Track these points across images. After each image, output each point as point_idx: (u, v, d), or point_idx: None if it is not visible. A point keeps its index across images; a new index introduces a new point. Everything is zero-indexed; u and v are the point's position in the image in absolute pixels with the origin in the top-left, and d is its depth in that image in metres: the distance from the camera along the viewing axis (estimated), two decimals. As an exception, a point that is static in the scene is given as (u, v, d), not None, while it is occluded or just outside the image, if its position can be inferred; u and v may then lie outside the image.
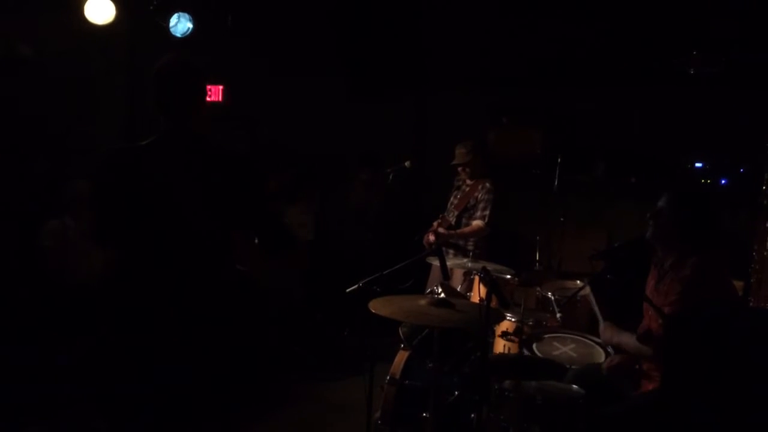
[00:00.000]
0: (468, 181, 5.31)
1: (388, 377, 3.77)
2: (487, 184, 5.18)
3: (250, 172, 2.70)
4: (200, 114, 2.67)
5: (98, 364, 3.72)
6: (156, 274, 2.55)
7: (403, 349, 3.87)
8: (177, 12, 5.37)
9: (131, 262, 2.58)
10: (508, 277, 4.63)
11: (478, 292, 4.21)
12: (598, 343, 3.85)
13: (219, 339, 2.63)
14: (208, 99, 2.79)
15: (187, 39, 5.41)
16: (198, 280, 2.58)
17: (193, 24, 5.41)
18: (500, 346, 4.01)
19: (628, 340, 3.26)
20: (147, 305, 2.55)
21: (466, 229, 5.17)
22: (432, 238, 5.23)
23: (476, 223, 5.15)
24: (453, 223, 5.26)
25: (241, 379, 2.87)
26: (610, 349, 3.69)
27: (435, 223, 5.29)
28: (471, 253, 4.99)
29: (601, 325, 3.45)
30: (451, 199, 5.44)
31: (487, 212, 5.11)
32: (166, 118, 2.64)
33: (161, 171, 2.57)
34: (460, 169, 5.29)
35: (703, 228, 3.14)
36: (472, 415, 3.25)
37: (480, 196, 5.16)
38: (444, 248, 5.16)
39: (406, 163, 5.16)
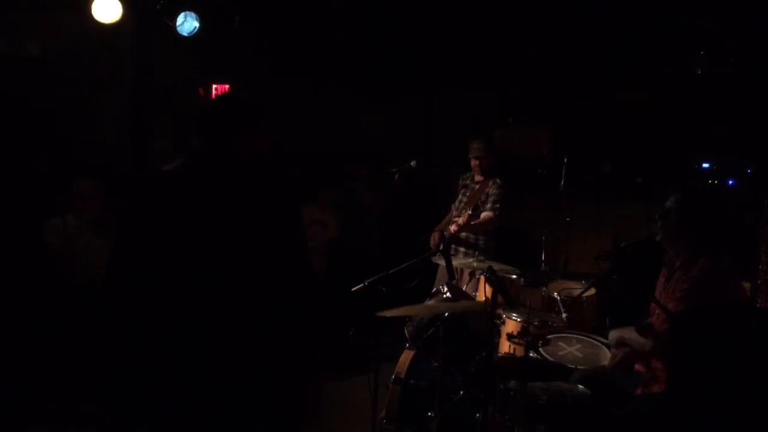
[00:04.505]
0: (477, 178, 5.35)
1: (393, 376, 3.77)
2: (498, 181, 5.25)
3: (289, 201, 2.28)
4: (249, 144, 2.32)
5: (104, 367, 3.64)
6: (184, 323, 2.11)
7: (409, 348, 3.87)
8: (184, 11, 5.37)
9: (154, 311, 2.12)
10: (514, 277, 4.63)
11: (484, 292, 4.20)
12: (603, 344, 3.84)
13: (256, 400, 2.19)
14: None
15: (194, 38, 5.42)
16: (238, 333, 2.13)
17: (200, 23, 5.42)
18: (506, 346, 4.00)
19: (630, 334, 3.25)
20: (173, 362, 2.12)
21: (476, 221, 5.19)
22: (437, 237, 5.28)
23: (486, 214, 5.19)
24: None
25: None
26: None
27: (452, 223, 5.26)
28: (480, 248, 5.09)
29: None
30: (460, 197, 5.47)
31: (497, 205, 5.17)
32: (202, 140, 2.28)
33: (190, 199, 2.16)
34: (475, 162, 5.32)
35: (712, 228, 3.12)
36: (477, 415, 3.24)
37: (491, 191, 5.22)
38: (454, 246, 5.20)
39: (412, 163, 5.15)
